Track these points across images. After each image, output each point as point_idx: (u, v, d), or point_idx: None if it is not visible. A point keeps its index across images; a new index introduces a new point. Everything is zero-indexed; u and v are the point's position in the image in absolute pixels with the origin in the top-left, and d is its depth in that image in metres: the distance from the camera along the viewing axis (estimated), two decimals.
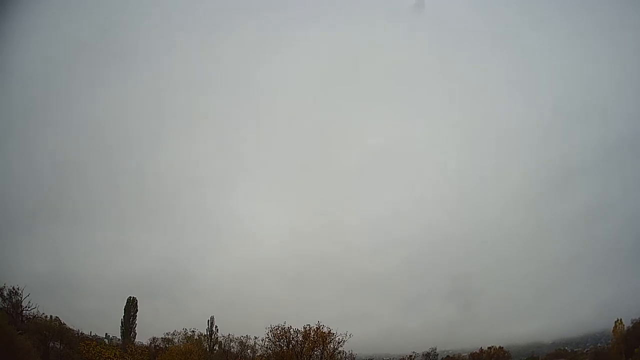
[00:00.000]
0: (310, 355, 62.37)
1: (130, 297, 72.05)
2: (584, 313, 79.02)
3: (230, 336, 68.75)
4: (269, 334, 62.95)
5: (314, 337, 62.07)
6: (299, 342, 62.74)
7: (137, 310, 71.84)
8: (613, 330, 70.61)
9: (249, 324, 71.45)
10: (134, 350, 63.84)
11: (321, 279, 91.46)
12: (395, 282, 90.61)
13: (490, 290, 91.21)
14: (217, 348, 68.65)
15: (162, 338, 70.67)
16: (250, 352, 68.00)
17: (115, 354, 60.67)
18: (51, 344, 59.23)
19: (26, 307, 61.13)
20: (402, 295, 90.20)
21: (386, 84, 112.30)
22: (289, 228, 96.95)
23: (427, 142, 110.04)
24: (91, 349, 59.22)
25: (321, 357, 62.29)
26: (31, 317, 61.59)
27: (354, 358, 65.97)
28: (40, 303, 61.53)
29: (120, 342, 71.02)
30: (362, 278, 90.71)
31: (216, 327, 69.18)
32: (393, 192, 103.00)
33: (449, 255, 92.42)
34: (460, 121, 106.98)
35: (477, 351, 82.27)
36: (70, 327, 63.77)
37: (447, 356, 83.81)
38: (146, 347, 68.84)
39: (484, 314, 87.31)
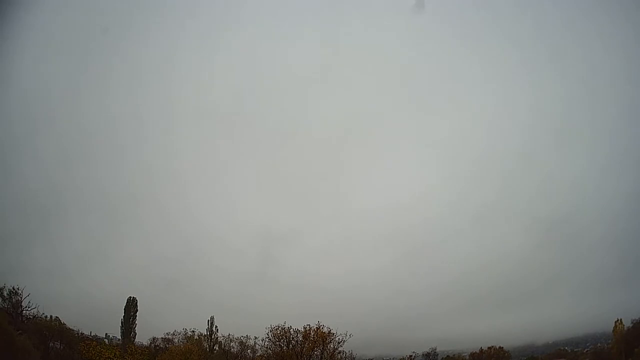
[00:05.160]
0: (310, 356, 62.25)
1: (130, 297, 71.86)
2: (584, 313, 79.11)
3: (230, 336, 68.70)
4: (269, 334, 62.92)
5: (314, 337, 61.92)
6: (299, 342, 62.62)
7: (137, 310, 71.53)
8: (613, 330, 70.59)
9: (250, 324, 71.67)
10: (134, 350, 63.77)
11: None
12: None
13: (489, 289, 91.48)
14: (217, 348, 68.49)
15: (162, 338, 70.66)
16: (250, 352, 67.90)
17: (115, 354, 60.61)
18: (51, 344, 59.13)
19: (26, 307, 61.26)
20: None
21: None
22: None
23: None
24: (91, 349, 59.17)
25: (321, 357, 62.15)
26: (31, 317, 61.55)
27: (353, 358, 65.79)
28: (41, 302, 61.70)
29: (120, 342, 70.88)
30: None
31: (216, 327, 69.07)
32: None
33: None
34: None
35: (477, 351, 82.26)
36: (70, 327, 63.74)
37: (447, 356, 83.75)
38: (146, 347, 68.78)
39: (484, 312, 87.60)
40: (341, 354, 62.92)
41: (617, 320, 69.85)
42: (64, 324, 63.01)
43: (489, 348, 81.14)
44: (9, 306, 60.29)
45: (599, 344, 79.57)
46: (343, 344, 61.98)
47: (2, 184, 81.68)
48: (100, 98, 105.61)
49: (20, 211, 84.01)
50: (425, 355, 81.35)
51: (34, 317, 61.54)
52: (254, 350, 67.49)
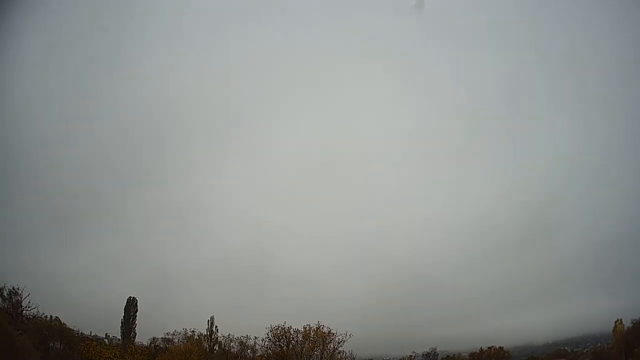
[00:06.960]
0: (310, 356, 62.34)
1: (130, 297, 71.78)
2: (584, 313, 79.06)
3: (230, 336, 68.74)
4: (269, 334, 63.07)
5: (314, 337, 62.06)
6: (299, 342, 62.73)
7: (137, 310, 71.48)
8: (613, 330, 70.54)
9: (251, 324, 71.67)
10: (134, 350, 63.83)
11: None
12: None
13: (490, 289, 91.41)
14: (217, 348, 68.54)
15: (162, 338, 70.75)
16: (250, 352, 67.96)
17: (115, 354, 60.71)
18: (51, 344, 59.25)
19: (26, 307, 61.32)
20: None
21: None
22: None
23: None
24: (91, 349, 59.28)
25: (321, 357, 62.25)
26: (31, 317, 61.64)
27: (353, 358, 65.86)
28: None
29: (120, 342, 70.95)
30: None
31: (216, 327, 69.03)
32: None
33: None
34: None
35: (477, 351, 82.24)
36: (70, 327, 63.84)
37: (447, 356, 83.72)
38: (146, 347, 68.84)
39: (484, 313, 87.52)
40: (341, 354, 63.08)
41: (617, 320, 69.80)
42: (64, 324, 63.12)
43: (489, 348, 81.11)
44: (9, 306, 60.38)
45: (599, 344, 79.49)
46: (343, 344, 62.27)
47: (14, 187, 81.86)
48: (110, 101, 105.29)
49: (27, 212, 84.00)
50: (425, 355, 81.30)
51: (34, 317, 61.65)
52: (254, 350, 67.59)
